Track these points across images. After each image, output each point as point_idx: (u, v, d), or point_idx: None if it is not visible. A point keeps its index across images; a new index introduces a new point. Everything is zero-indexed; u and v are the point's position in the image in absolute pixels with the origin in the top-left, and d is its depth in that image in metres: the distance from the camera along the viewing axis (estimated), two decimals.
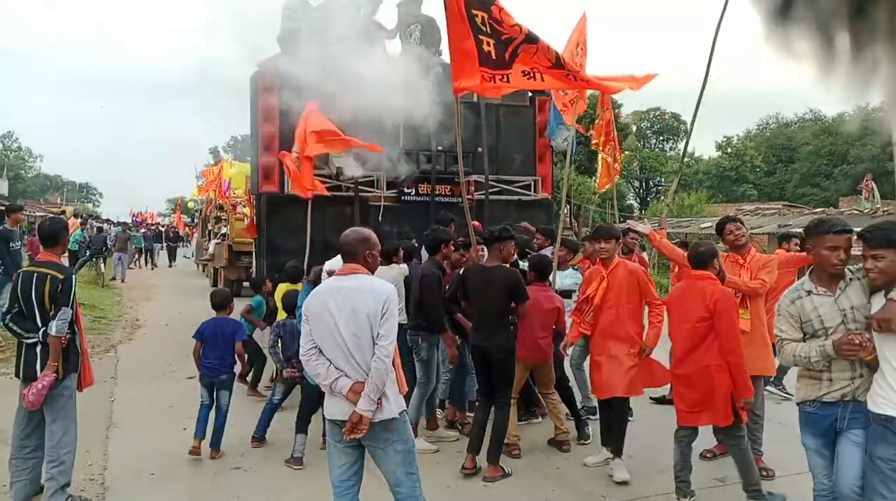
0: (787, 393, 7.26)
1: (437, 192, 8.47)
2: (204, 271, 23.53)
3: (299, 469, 5.14)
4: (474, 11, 5.28)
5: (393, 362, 3.59)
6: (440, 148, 8.53)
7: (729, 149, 47.90)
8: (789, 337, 3.56)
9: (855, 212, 21.09)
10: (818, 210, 24.10)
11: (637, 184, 51.10)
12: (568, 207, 34.93)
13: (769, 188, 43.16)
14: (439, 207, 8.29)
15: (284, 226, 7.90)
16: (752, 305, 5.06)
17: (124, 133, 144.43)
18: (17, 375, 4.43)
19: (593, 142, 9.18)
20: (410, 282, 5.85)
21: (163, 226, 38.03)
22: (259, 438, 5.70)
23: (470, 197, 8.64)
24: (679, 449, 4.57)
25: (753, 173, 43.71)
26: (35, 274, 4.33)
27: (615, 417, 5.24)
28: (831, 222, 3.58)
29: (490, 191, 8.71)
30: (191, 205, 25.73)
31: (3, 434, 5.17)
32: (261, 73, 8.32)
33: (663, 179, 51.69)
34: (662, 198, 46.98)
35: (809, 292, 3.53)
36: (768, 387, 6.38)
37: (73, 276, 4.49)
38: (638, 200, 50.22)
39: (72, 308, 4.36)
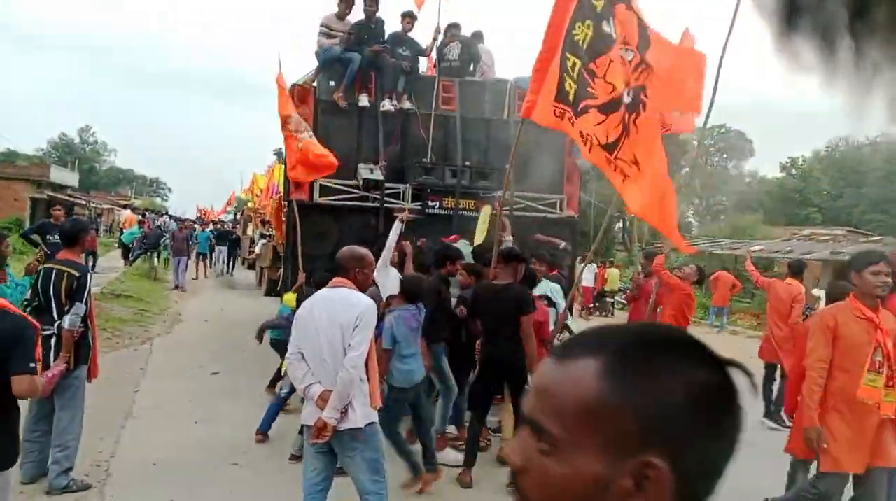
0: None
1: (460, 206, 8.60)
2: (244, 264, 24.51)
3: (294, 463, 5.38)
4: (569, 55, 5.15)
5: (368, 375, 3.76)
6: (467, 163, 8.68)
7: (794, 170, 46.46)
8: None
9: None
10: (875, 238, 23.16)
11: (696, 201, 50.03)
12: (621, 222, 34.50)
13: (834, 212, 41.60)
14: (462, 221, 8.43)
15: (311, 233, 8.15)
16: None
17: (197, 130, 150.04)
18: None
19: None
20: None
21: (226, 224, 33.91)
22: (263, 432, 5.96)
23: (495, 211, 8.77)
24: None
25: (819, 196, 42.25)
26: (54, 271, 4.68)
27: None
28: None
29: (514, 207, 8.79)
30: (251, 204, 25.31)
31: None
32: (297, 85, 8.64)
33: (724, 198, 50.42)
34: (722, 216, 45.83)
35: None
36: None
37: (89, 275, 4.83)
38: (697, 218, 49.20)
39: (85, 304, 4.69)
